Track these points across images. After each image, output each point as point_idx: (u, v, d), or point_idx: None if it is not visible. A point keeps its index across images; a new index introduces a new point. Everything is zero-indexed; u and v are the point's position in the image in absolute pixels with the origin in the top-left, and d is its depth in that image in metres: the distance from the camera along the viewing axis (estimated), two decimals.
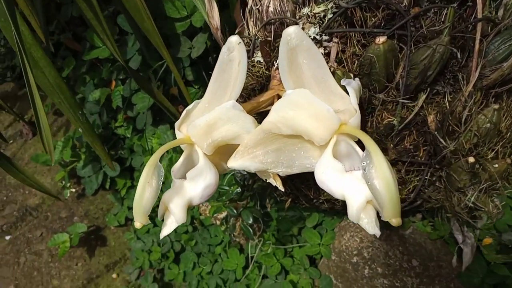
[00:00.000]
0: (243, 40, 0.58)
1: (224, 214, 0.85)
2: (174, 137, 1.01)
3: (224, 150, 0.45)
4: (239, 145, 0.44)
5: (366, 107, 0.50)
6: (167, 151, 0.95)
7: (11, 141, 1.42)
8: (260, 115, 0.54)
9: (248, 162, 0.42)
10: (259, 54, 0.55)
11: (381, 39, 0.45)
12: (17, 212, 1.17)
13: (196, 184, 0.42)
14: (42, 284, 1.00)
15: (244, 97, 0.58)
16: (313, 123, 0.39)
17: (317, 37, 0.45)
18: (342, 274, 0.69)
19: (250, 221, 0.75)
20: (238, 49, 0.45)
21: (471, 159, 0.49)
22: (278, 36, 0.53)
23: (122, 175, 1.06)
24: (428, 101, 0.50)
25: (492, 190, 0.53)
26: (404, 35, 0.47)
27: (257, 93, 0.56)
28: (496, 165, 0.48)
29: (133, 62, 0.92)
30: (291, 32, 0.42)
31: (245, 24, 0.58)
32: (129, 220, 1.06)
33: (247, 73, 0.56)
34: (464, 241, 0.63)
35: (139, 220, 0.38)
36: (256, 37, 0.54)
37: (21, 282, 1.03)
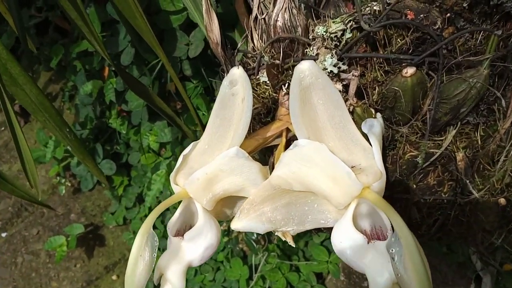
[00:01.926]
0: (246, 55, 0.52)
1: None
2: (172, 135, 0.94)
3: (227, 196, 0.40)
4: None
5: (387, 144, 0.44)
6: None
7: (3, 128, 1.36)
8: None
9: (254, 222, 0.37)
10: (265, 73, 0.48)
11: (409, 71, 0.39)
12: (12, 207, 1.14)
13: (196, 245, 0.38)
14: (41, 286, 0.98)
15: None
16: (330, 185, 0.34)
17: (335, 70, 0.39)
18: None
19: (254, 236, 0.71)
20: (242, 83, 0.39)
21: (503, 201, 0.43)
22: (287, 56, 0.46)
23: (118, 172, 1.01)
24: (456, 132, 0.44)
25: None
26: (435, 62, 0.40)
27: (263, 117, 0.50)
28: None
29: (126, 56, 0.85)
30: (304, 69, 0.36)
31: (249, 35, 0.50)
32: (128, 219, 1.02)
33: (255, 95, 0.50)
34: (483, 269, 0.59)
35: None
36: (262, 54, 0.47)
37: (19, 284, 1.01)
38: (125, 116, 0.99)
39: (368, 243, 0.33)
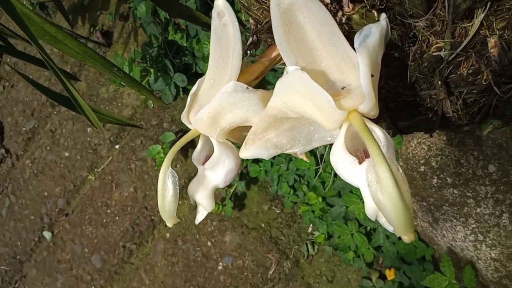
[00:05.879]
0: None
1: None
2: None
3: None
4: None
5: (403, 43, 0.39)
6: None
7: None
8: None
9: (260, 150, 0.40)
10: None
11: None
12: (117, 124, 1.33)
13: (216, 173, 0.42)
14: (153, 184, 1.19)
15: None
16: (316, 112, 0.34)
17: None
18: (410, 181, 0.67)
19: None
20: (228, 12, 0.38)
21: None
22: None
23: (191, 82, 1.08)
24: (490, 12, 0.37)
25: None
26: None
27: None
28: None
29: None
30: None
31: None
32: None
33: (264, 7, 0.48)
34: None
35: (169, 222, 0.41)
36: None
37: (137, 185, 1.24)
38: (183, 29, 1.01)
39: (360, 163, 0.33)
